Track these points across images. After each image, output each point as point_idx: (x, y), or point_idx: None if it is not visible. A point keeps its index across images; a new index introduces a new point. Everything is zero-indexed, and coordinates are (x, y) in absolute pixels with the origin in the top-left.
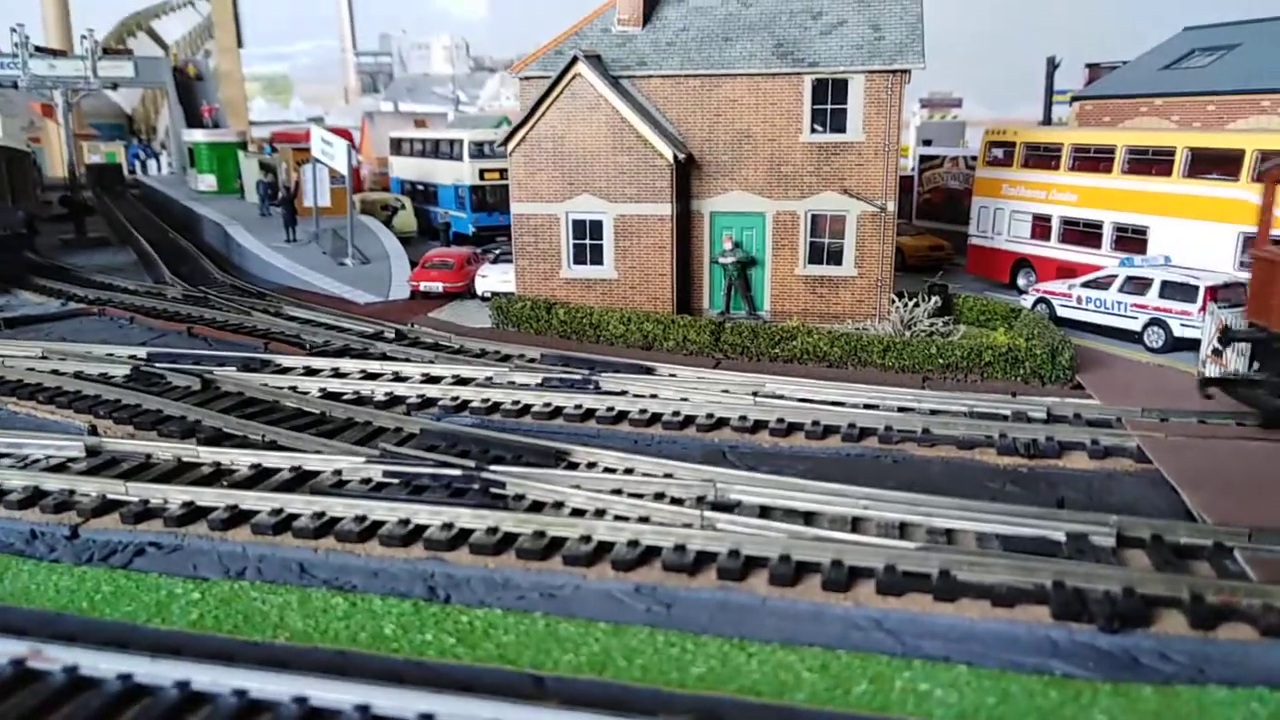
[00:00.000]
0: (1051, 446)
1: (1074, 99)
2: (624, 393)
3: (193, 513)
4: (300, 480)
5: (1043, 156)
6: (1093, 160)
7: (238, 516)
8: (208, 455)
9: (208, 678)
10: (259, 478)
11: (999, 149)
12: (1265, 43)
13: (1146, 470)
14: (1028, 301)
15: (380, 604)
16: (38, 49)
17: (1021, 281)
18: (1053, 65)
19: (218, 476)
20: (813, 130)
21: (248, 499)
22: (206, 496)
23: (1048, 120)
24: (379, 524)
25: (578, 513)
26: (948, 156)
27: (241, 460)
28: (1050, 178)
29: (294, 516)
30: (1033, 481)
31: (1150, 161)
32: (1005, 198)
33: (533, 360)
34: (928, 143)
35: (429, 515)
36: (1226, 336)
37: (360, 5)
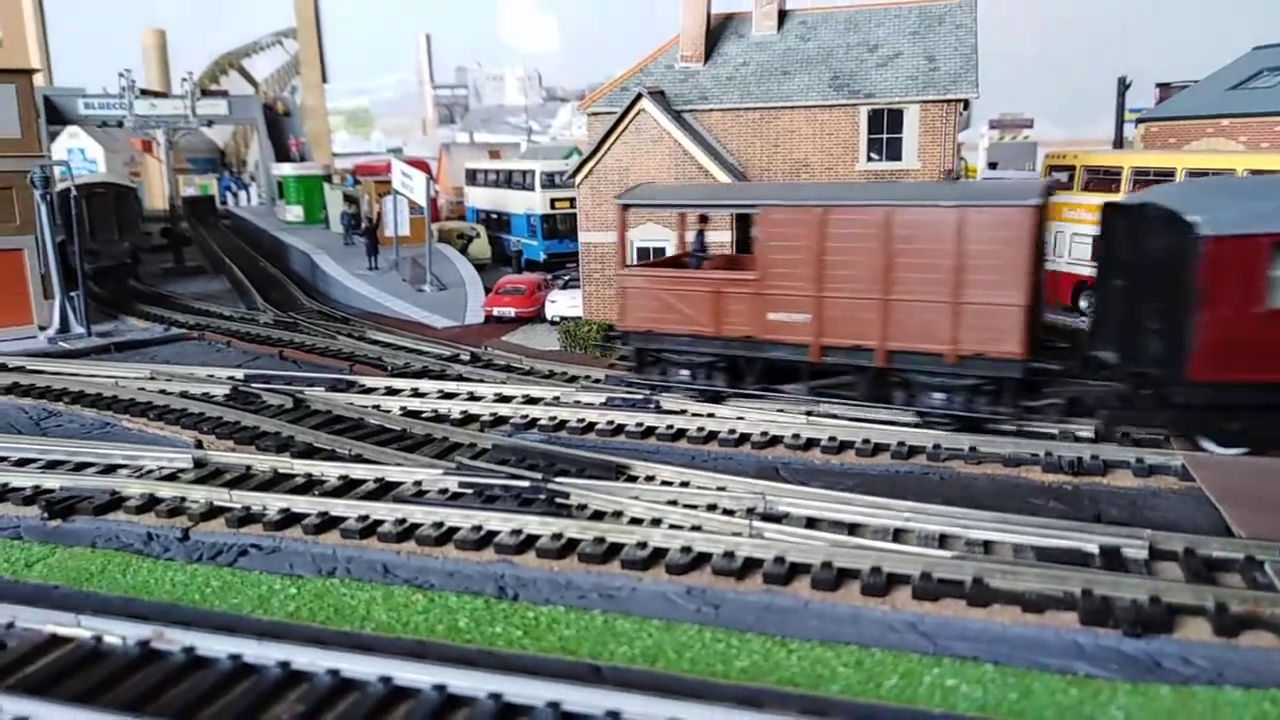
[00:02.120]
0: (1096, 464)
1: (1139, 121)
2: (683, 411)
3: (289, 518)
4: (384, 490)
5: (1103, 180)
6: (1153, 183)
7: (328, 522)
8: (300, 467)
9: (305, 658)
10: (347, 487)
11: (1060, 172)
12: None
13: (1190, 488)
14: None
15: (455, 600)
16: (142, 91)
17: (1084, 304)
18: (1124, 85)
19: (310, 486)
20: (869, 159)
21: (337, 506)
22: (300, 504)
23: (1119, 141)
24: (454, 530)
25: (635, 521)
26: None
27: (331, 472)
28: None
29: (379, 522)
30: (1076, 498)
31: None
32: (1066, 220)
33: (597, 381)
34: (993, 165)
35: (499, 522)
36: None
37: (437, 40)
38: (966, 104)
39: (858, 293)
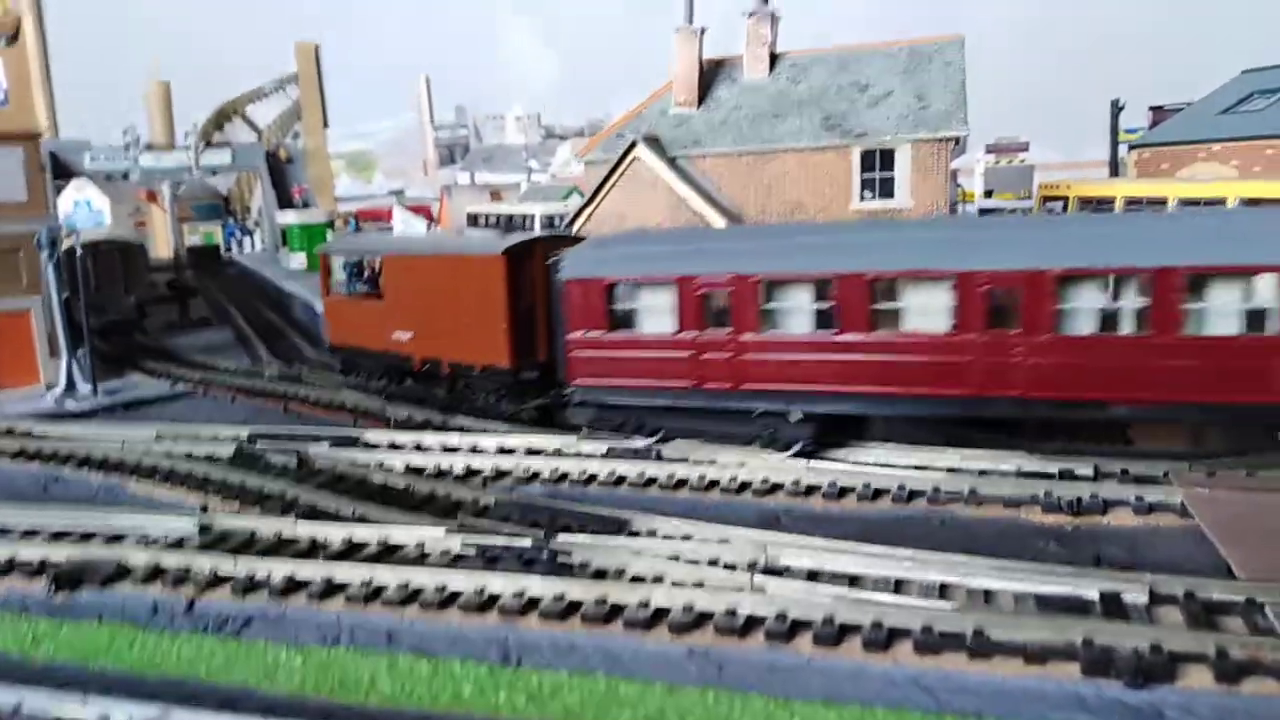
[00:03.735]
0: (1096, 503)
1: (1131, 147)
2: (684, 460)
3: (293, 584)
4: (388, 552)
5: (1097, 209)
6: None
7: (332, 588)
8: (304, 530)
9: None
10: (351, 550)
11: (1054, 202)
12: None
13: (1189, 525)
14: None
15: (459, 668)
16: (147, 146)
17: None
18: (1117, 108)
19: (314, 550)
20: (862, 198)
21: (341, 571)
22: (305, 570)
23: (1114, 164)
24: (458, 593)
25: (638, 579)
26: (1006, 210)
27: (334, 534)
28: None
29: (382, 587)
30: (1075, 540)
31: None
32: None
33: (596, 429)
34: (989, 194)
35: (503, 584)
36: None
37: (437, 81)
38: (958, 140)
39: (431, 317)
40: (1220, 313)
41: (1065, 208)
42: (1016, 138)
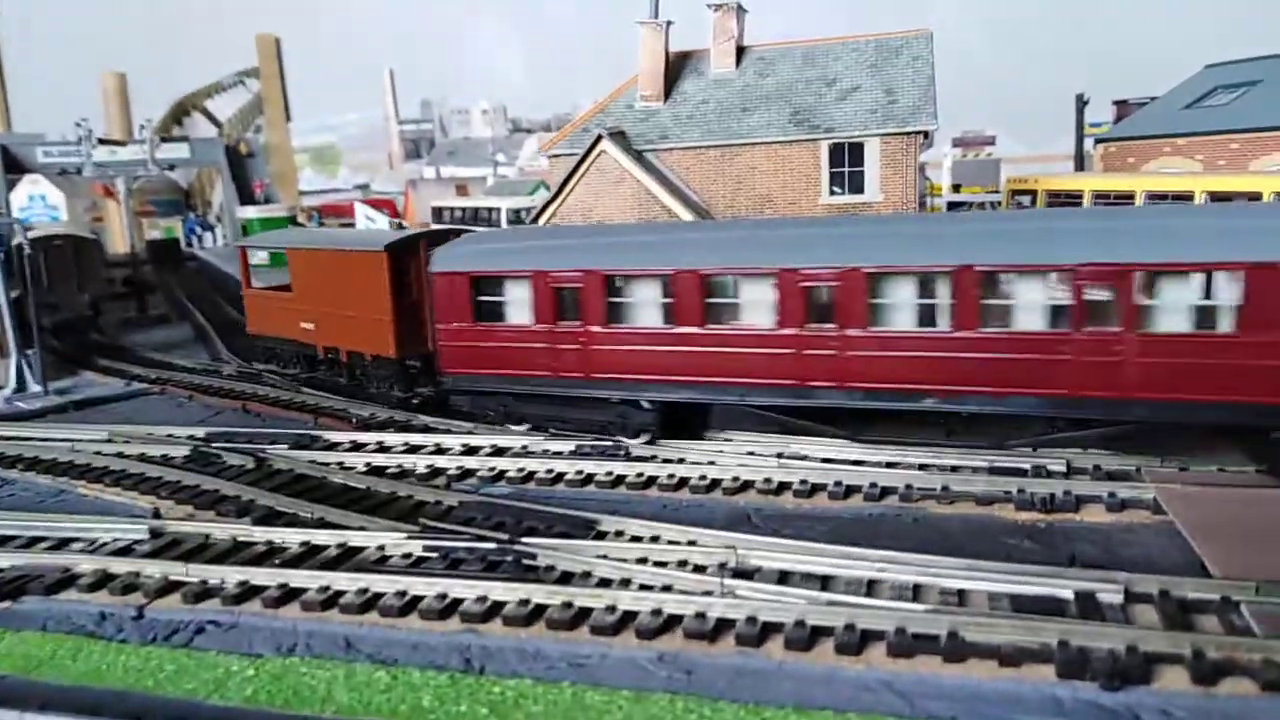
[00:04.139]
0: (1069, 501)
1: (1097, 141)
2: (653, 458)
3: (248, 591)
4: (347, 556)
5: (1065, 203)
6: (1113, 205)
7: (289, 594)
8: (261, 534)
9: None
10: (308, 555)
11: (1022, 196)
12: None
13: (1162, 522)
14: None
15: (419, 676)
16: (100, 140)
17: None
18: (1082, 102)
19: (270, 554)
20: (831, 193)
21: (297, 577)
22: (260, 576)
23: (1079, 158)
24: (419, 598)
25: (605, 583)
26: (974, 204)
27: (292, 538)
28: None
29: (340, 593)
30: (1049, 536)
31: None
32: None
33: (564, 424)
34: (956, 188)
35: (465, 589)
36: None
37: (402, 74)
38: (927, 134)
39: (329, 309)
40: (1024, 309)
41: (1034, 202)
42: (983, 131)
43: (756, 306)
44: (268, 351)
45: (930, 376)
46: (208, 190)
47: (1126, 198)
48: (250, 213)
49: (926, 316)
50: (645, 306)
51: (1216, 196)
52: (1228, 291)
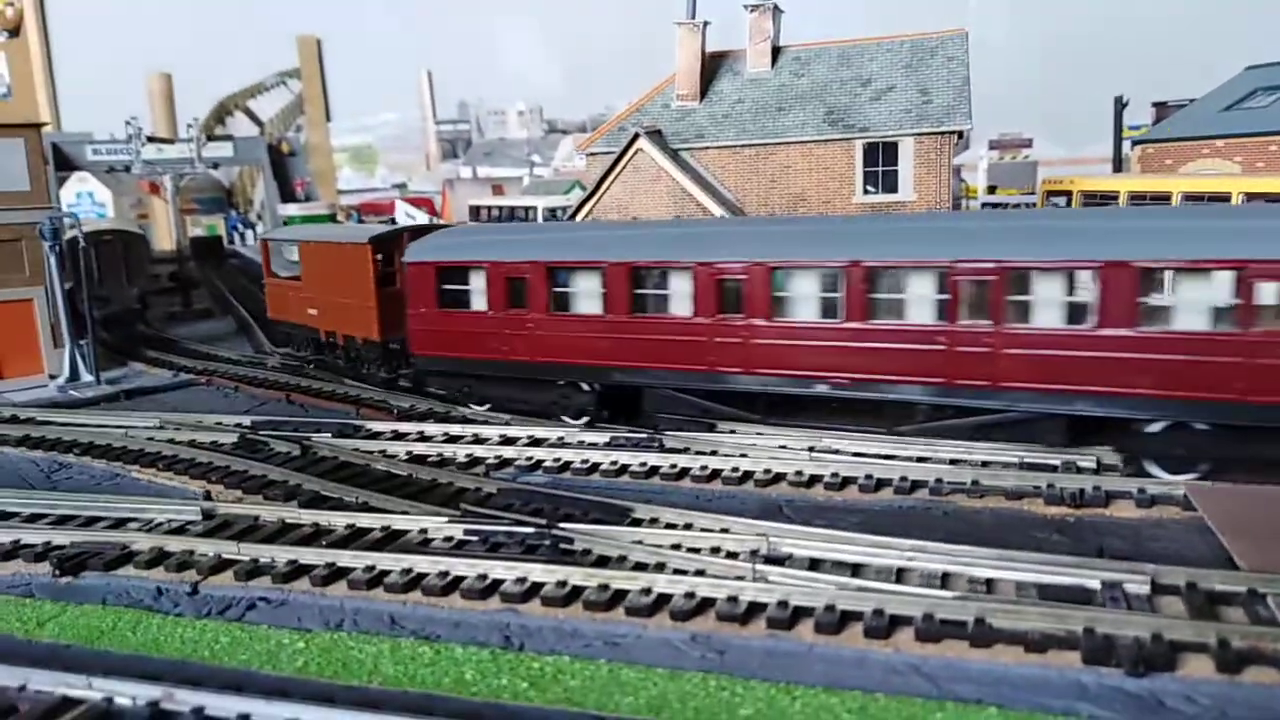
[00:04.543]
0: (1098, 495)
1: (1135, 143)
2: (686, 450)
3: (296, 570)
4: (390, 539)
5: (1100, 204)
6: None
7: (336, 573)
8: (308, 517)
9: (314, 717)
10: (354, 537)
11: (1057, 197)
12: None
13: (1192, 518)
14: None
15: (461, 652)
16: (149, 139)
17: None
18: (1120, 105)
19: (317, 536)
20: (865, 191)
21: (344, 557)
22: (308, 555)
23: (1118, 160)
24: (460, 579)
25: (640, 566)
26: (1009, 204)
27: (338, 521)
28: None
29: (385, 573)
30: (1078, 530)
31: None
32: None
33: (601, 419)
34: (992, 189)
35: (505, 570)
36: None
37: (439, 76)
38: (961, 134)
39: (328, 296)
40: (910, 303)
41: (1069, 203)
42: (1020, 134)
43: (678, 298)
44: (285, 336)
45: (825, 365)
46: (249, 188)
47: (1162, 198)
48: (291, 210)
49: (823, 309)
50: (584, 296)
51: (1252, 198)
52: (1088, 289)
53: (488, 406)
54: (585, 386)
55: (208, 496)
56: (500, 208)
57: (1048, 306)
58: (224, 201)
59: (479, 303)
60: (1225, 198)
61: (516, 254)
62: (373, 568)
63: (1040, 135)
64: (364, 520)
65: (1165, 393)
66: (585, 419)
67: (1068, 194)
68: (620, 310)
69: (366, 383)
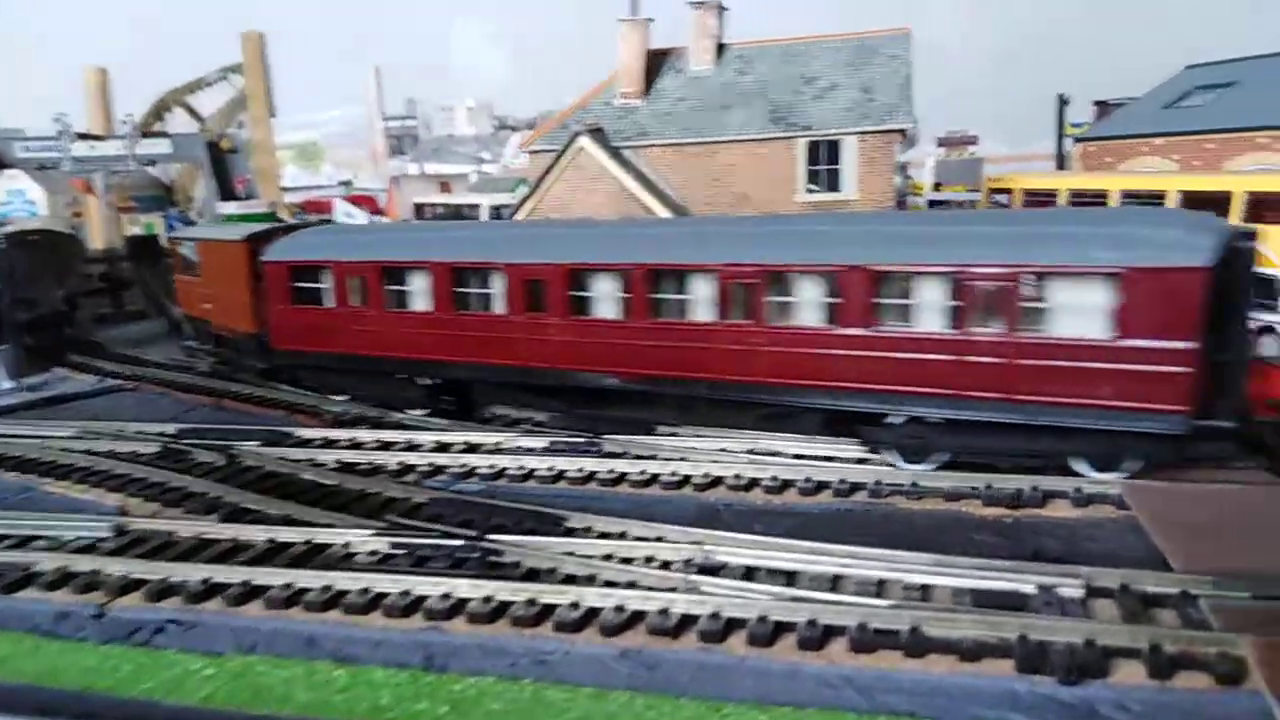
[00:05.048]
0: (1035, 496)
1: (1077, 140)
2: (625, 454)
3: (210, 589)
4: (313, 554)
5: (1041, 202)
6: (1088, 204)
7: (251, 592)
8: (227, 532)
9: None
10: (274, 552)
11: (999, 195)
12: (1263, 80)
13: (1126, 517)
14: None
15: (380, 675)
16: (80, 135)
17: None
18: (1063, 103)
19: (235, 552)
20: (808, 190)
21: (261, 574)
22: (222, 573)
23: (1060, 157)
24: (383, 595)
25: (570, 579)
26: (954, 203)
27: (257, 536)
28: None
29: (304, 590)
30: (1016, 532)
31: (1144, 205)
32: None
33: (540, 424)
34: (938, 186)
35: (429, 586)
36: None
37: (387, 72)
38: (904, 133)
39: (217, 292)
40: (688, 303)
41: (1010, 200)
42: (966, 131)
43: (494, 296)
44: (191, 329)
45: (615, 360)
46: (190, 186)
47: (1099, 197)
48: (230, 208)
49: (614, 308)
50: (416, 294)
51: (1189, 196)
52: (834, 291)
53: (346, 398)
54: (417, 381)
55: (122, 511)
56: (444, 205)
57: (801, 307)
58: (164, 200)
59: (327, 300)
60: (1161, 196)
61: (357, 254)
62: (291, 585)
63: (986, 133)
64: (285, 534)
65: (899, 388)
66: (425, 410)
67: (1009, 191)
68: (446, 308)
69: (244, 371)
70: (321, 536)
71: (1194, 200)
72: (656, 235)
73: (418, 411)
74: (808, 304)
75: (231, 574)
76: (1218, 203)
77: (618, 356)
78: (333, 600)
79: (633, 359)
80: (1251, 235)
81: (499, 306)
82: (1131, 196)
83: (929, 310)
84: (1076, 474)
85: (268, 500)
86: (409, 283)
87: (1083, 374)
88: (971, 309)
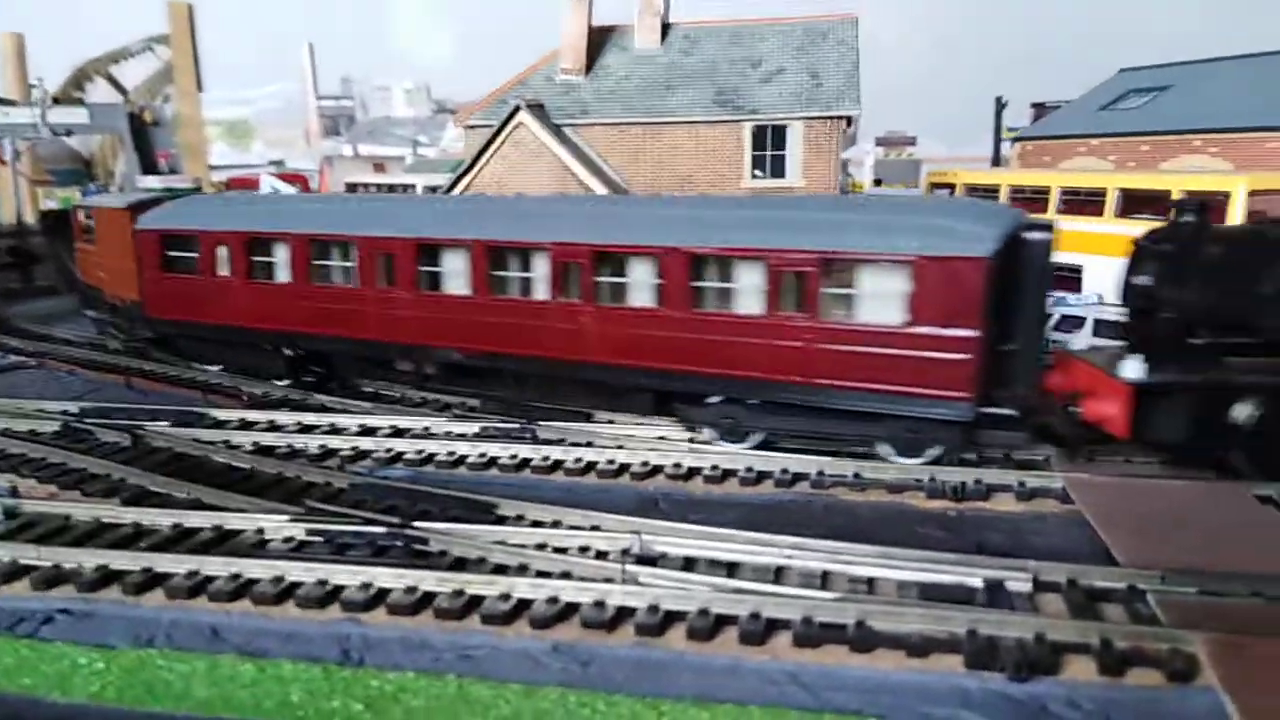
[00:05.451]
0: (979, 489)
1: (1015, 139)
2: (561, 441)
3: (106, 577)
4: (222, 540)
5: (982, 198)
6: (1028, 201)
7: (152, 579)
8: (128, 515)
9: None
10: (180, 538)
11: (941, 190)
12: (1195, 84)
13: (1070, 511)
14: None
15: (290, 669)
16: None
17: None
18: (1000, 105)
19: (137, 538)
20: (754, 176)
21: (163, 561)
22: (121, 560)
23: (997, 158)
24: (297, 585)
25: (500, 569)
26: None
27: (162, 520)
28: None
29: (210, 579)
30: (959, 525)
31: (1083, 202)
32: None
33: (473, 409)
34: (878, 183)
35: (348, 575)
36: None
37: (322, 49)
38: (850, 121)
39: (107, 260)
40: (524, 280)
41: (952, 194)
42: (904, 132)
43: (347, 269)
44: (91, 298)
45: (457, 335)
46: (110, 160)
47: (1042, 193)
48: (152, 182)
49: (458, 283)
50: (278, 266)
51: (1128, 194)
52: (657, 273)
53: (220, 368)
54: (272, 349)
55: (14, 493)
56: (379, 185)
57: (628, 288)
58: (83, 174)
59: (195, 268)
60: (1102, 194)
61: (223, 224)
62: (196, 573)
63: (923, 134)
64: (193, 519)
65: (715, 371)
66: (289, 380)
67: (952, 186)
68: (304, 279)
69: (131, 342)
70: (233, 522)
71: (1133, 198)
72: (503, 212)
73: (282, 383)
74: (633, 285)
75: (131, 560)
76: (1157, 200)
77: (460, 332)
78: (241, 589)
79: (474, 334)
80: (1046, 227)
81: (352, 279)
82: (1071, 193)
83: (745, 294)
84: (1019, 467)
85: (175, 483)
86: (271, 254)
87: (878, 360)
88: (778, 294)
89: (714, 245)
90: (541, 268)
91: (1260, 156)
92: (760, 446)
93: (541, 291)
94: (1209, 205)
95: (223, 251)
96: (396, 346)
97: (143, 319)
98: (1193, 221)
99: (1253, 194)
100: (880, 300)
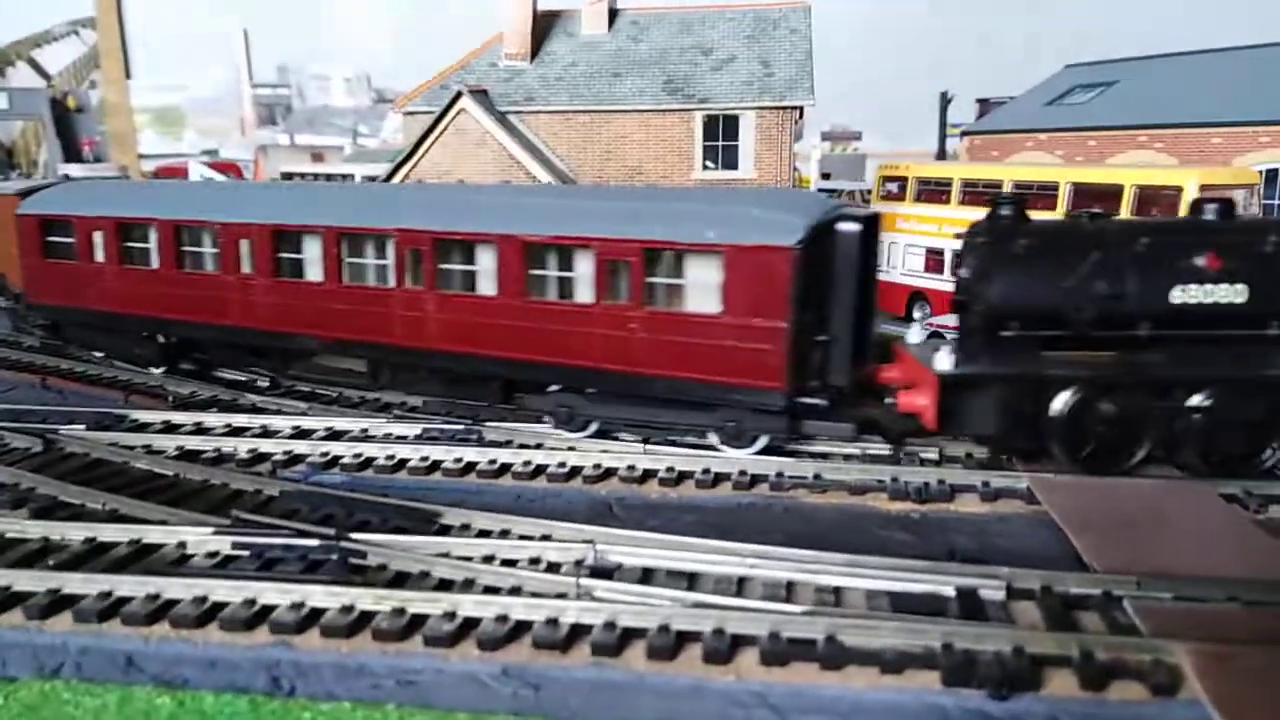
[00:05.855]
0: (943, 490)
1: (963, 133)
2: (509, 443)
3: (8, 599)
4: (139, 556)
5: (934, 191)
6: (981, 194)
7: (60, 602)
8: (34, 530)
9: None
10: (93, 554)
11: (892, 183)
12: (1140, 80)
13: (1036, 512)
14: (914, 334)
15: (212, 701)
16: None
17: (917, 314)
18: (945, 100)
19: (44, 554)
20: (705, 167)
21: (73, 581)
22: (24, 580)
23: (942, 153)
24: (221, 605)
25: (444, 585)
26: (844, 190)
27: (74, 535)
28: (942, 212)
29: (125, 600)
30: (924, 527)
31: (1036, 196)
32: (899, 231)
33: (414, 410)
34: (826, 176)
35: (278, 594)
36: None
37: (257, 36)
38: (801, 111)
39: (5, 249)
40: (369, 267)
41: (904, 189)
42: (848, 127)
43: (209, 256)
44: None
45: (312, 323)
46: (34, 148)
47: (994, 186)
48: (75, 171)
49: (315, 270)
50: (149, 251)
51: (1080, 188)
52: (494, 261)
53: (103, 355)
54: (147, 336)
55: None
56: (316, 175)
57: (465, 276)
58: (3, 161)
59: (72, 254)
60: (1055, 188)
61: (98, 209)
62: (109, 594)
63: (868, 129)
64: (108, 533)
65: (549, 359)
66: (163, 368)
67: (903, 179)
68: (171, 266)
69: (21, 332)
70: (152, 535)
71: (1085, 193)
72: (356, 199)
73: (157, 370)
74: (476, 273)
75: (36, 580)
76: (1109, 195)
77: (315, 319)
78: (159, 612)
79: (328, 322)
80: (861, 218)
81: (215, 265)
82: (1023, 187)
83: (578, 283)
84: (982, 466)
85: (91, 493)
86: (143, 239)
87: (697, 350)
88: (606, 283)
89: (547, 234)
90: (387, 255)
91: (1205, 152)
92: (597, 435)
93: (388, 278)
94: (1026, 199)
95: (98, 237)
96: (257, 333)
97: (26, 305)
98: (1009, 214)
99: (1204, 188)
100: (699, 290)
